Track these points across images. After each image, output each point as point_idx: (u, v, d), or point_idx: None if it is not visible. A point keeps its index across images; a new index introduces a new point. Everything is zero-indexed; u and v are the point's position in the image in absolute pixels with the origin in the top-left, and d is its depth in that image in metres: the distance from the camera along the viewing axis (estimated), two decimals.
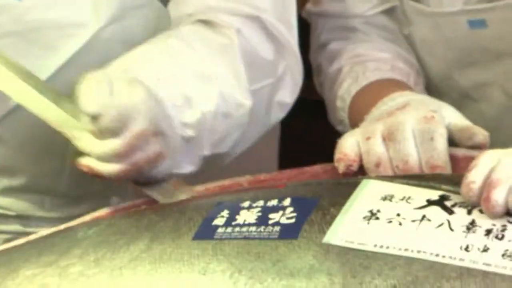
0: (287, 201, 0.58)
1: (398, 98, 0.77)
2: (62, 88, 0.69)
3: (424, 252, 0.50)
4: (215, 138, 0.72)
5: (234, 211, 0.58)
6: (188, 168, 0.71)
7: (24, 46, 0.75)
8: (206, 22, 0.77)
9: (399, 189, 0.57)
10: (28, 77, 0.67)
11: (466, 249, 0.49)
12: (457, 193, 0.54)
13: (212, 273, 0.52)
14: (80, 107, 0.61)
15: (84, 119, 0.63)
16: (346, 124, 0.89)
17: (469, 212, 0.52)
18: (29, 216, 0.88)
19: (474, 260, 0.48)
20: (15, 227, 0.88)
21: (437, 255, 0.49)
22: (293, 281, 0.50)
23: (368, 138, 0.69)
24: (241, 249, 0.53)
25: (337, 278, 0.49)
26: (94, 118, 0.61)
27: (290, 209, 0.57)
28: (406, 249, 0.50)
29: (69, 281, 0.55)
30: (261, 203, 0.58)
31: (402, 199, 0.55)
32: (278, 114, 0.82)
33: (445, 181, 0.57)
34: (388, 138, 0.67)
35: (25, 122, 0.77)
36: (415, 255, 0.50)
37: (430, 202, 0.54)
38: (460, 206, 0.53)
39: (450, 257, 0.49)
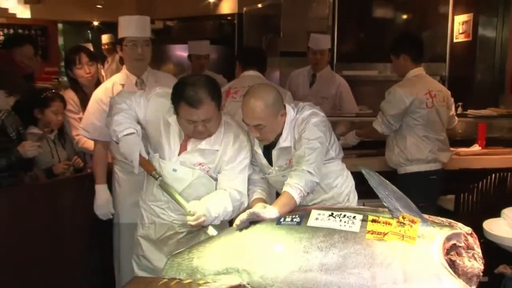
0: (298, 214, 2.39)
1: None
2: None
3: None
4: (221, 219, 2.74)
5: (283, 216, 2.43)
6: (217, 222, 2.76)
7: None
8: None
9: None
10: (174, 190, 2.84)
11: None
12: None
13: (281, 234, 2.34)
14: (188, 207, 2.73)
15: (188, 209, 2.72)
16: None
17: None
18: None
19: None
20: None
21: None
22: (301, 235, 2.28)
23: None
24: (289, 227, 2.35)
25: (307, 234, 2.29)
26: (190, 212, 2.67)
27: (297, 217, 2.38)
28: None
29: (230, 238, 2.46)
30: (290, 215, 2.41)
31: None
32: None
33: None
34: None
35: None
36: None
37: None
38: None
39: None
